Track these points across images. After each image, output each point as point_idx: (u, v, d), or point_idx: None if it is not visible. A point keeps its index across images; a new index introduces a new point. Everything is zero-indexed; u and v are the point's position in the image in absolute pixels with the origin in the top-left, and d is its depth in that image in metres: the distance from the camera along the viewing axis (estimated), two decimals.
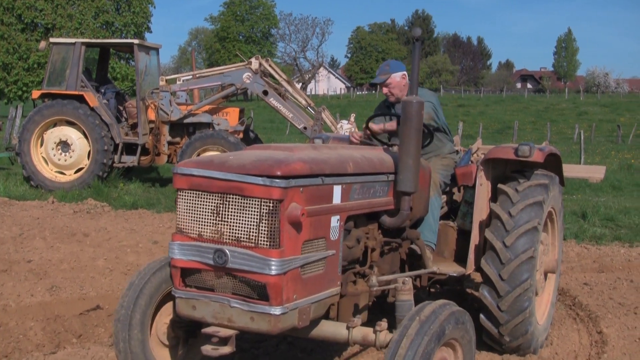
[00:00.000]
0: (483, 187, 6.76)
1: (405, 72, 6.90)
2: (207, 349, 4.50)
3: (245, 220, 4.38)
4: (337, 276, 4.95)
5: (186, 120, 17.53)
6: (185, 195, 4.59)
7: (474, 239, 6.66)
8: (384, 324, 4.78)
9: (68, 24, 42.80)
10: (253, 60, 17.48)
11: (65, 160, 17.18)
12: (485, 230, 6.52)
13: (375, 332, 4.76)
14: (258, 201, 4.33)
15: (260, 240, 4.34)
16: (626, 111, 68.38)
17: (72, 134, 17.10)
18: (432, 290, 7.35)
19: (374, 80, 6.92)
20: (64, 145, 17.11)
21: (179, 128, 17.81)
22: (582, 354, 6.90)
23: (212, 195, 4.47)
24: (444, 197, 7.07)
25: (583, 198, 17.37)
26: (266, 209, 4.31)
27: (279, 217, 4.31)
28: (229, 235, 4.42)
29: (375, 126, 6.69)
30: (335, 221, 4.84)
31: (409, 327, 4.36)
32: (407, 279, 4.92)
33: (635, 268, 10.46)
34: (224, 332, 4.49)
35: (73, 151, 17.13)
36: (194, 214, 4.55)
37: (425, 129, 6.30)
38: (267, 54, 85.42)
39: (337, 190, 4.88)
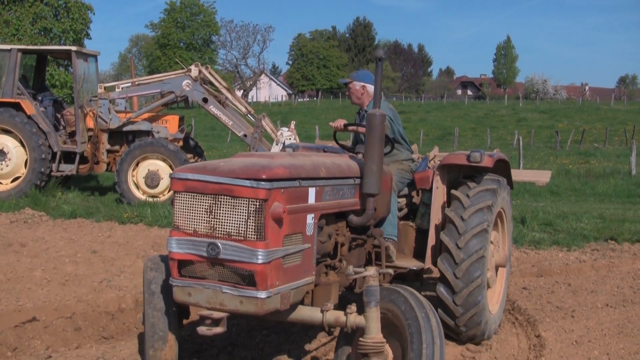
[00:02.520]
0: (439, 190, 7.47)
1: (365, 84, 7.76)
2: (202, 329, 5.10)
3: (235, 217, 4.98)
4: (312, 267, 5.58)
5: (125, 128, 17.32)
6: (181, 197, 5.18)
7: (431, 237, 7.35)
8: (353, 307, 5.40)
9: (4, 30, 42.02)
10: (192, 67, 17.33)
11: (2, 169, 16.83)
12: (440, 233, 7.16)
13: (346, 314, 5.37)
14: (246, 201, 4.94)
15: (249, 234, 4.94)
16: (564, 117, 69.59)
17: (8, 143, 16.78)
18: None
19: (340, 80, 7.99)
20: (0, 153, 16.77)
21: (118, 136, 17.58)
22: (521, 358, 6.99)
23: (206, 196, 5.07)
24: (404, 200, 7.81)
25: (522, 203, 17.61)
26: (253, 207, 4.93)
27: (264, 214, 4.92)
28: (221, 231, 5.01)
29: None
30: (310, 219, 5.47)
31: (428, 328, 5.20)
32: (375, 269, 5.42)
33: (572, 272, 10.63)
34: (217, 314, 5.07)
35: (9, 160, 16.81)
36: (190, 212, 5.14)
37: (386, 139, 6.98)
38: (209, 61, 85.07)
39: (312, 192, 5.53)
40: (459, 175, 7.69)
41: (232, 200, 4.97)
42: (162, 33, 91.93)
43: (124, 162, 16.21)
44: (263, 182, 4.91)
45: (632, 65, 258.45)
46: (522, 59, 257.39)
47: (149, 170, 16.26)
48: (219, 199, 5.01)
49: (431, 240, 7.36)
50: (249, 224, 4.93)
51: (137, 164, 16.34)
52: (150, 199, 16.11)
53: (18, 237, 11.91)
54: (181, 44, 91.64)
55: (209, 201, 5.05)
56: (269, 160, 5.32)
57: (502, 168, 7.89)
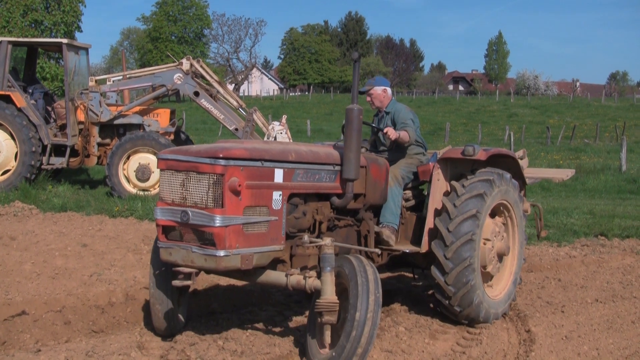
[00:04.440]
0: (440, 182, 7.94)
1: (386, 88, 8.53)
2: (176, 282, 6.18)
3: (200, 189, 6.04)
4: (280, 237, 6.46)
5: (116, 122, 17.30)
6: (164, 174, 6.28)
7: (429, 224, 7.83)
8: (313, 273, 6.34)
9: None
10: (184, 61, 17.31)
11: None
12: (431, 243, 7.65)
13: (305, 278, 6.30)
14: (207, 175, 5.99)
15: (209, 203, 5.98)
16: (555, 113, 69.70)
17: None
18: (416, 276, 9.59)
19: (360, 89, 8.15)
20: None
21: (109, 129, 17.56)
22: (511, 353, 7.00)
23: (180, 173, 6.16)
24: (409, 192, 8.35)
25: None
26: (212, 181, 5.96)
27: (222, 186, 5.91)
28: (190, 200, 6.09)
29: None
30: (277, 195, 6.39)
31: (364, 286, 5.92)
32: (330, 239, 6.26)
33: (562, 267, 10.66)
34: (186, 270, 6.16)
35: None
36: (169, 186, 6.24)
37: (395, 144, 8.08)
38: (200, 54, 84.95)
39: (279, 173, 6.43)
40: (462, 171, 8.02)
41: (198, 175, 6.04)
42: (154, 26, 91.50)
43: (115, 156, 16.18)
44: (220, 160, 5.91)
45: (623, 62, 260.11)
46: (514, 54, 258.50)
47: (139, 163, 16.25)
48: (189, 175, 6.09)
49: (428, 227, 7.83)
50: (209, 194, 5.97)
51: (128, 158, 16.33)
52: (141, 193, 16.12)
53: (8, 231, 11.88)
54: (173, 38, 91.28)
55: (182, 176, 6.14)
56: (233, 144, 6.40)
57: (510, 164, 8.33)
